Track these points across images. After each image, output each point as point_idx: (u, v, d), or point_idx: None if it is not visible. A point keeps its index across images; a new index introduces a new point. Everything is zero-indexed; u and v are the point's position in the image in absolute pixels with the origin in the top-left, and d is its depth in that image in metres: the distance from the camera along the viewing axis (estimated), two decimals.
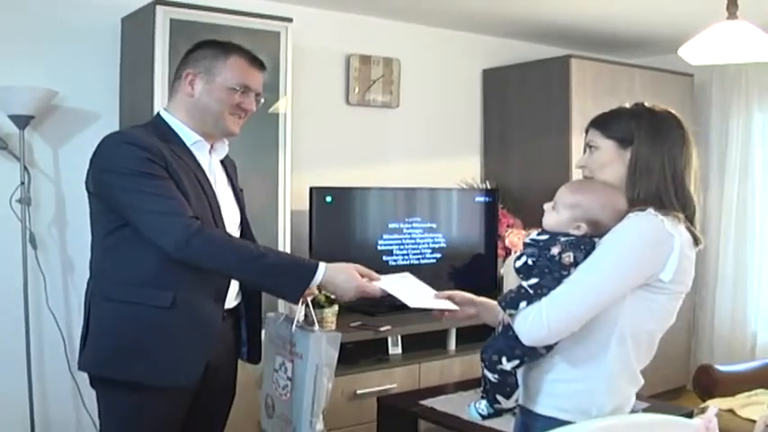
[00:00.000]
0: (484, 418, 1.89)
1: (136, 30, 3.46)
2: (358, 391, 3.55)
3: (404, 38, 4.58)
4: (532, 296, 1.72)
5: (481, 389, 1.91)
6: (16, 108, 3.25)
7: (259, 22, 3.56)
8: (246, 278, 2.18)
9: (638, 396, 1.91)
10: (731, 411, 3.58)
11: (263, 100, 2.34)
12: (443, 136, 4.78)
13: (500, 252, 4.53)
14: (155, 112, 3.19)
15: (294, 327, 2.29)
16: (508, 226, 4.53)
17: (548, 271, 1.73)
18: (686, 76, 5.06)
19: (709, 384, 3.87)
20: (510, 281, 1.88)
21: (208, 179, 2.24)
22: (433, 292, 2.20)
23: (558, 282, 1.72)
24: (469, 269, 4.40)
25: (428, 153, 4.69)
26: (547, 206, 1.85)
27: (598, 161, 1.86)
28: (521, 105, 4.79)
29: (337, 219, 4.00)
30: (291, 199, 3.66)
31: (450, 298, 2.14)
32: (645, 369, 1.86)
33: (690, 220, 1.79)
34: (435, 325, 3.95)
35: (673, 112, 1.89)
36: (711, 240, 5.10)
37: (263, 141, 3.61)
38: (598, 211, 1.77)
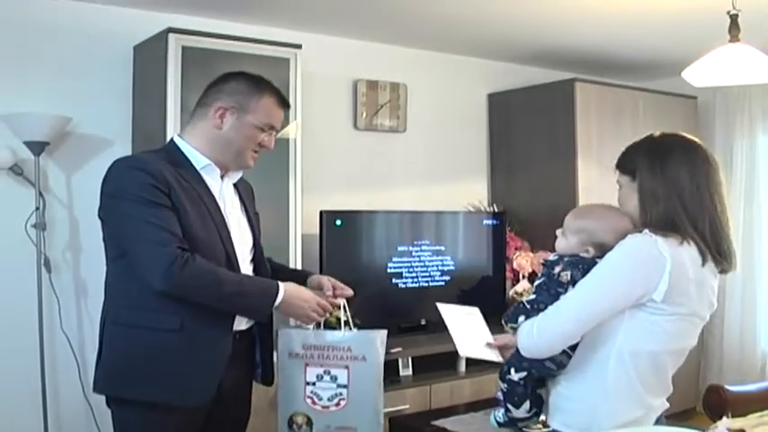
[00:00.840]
0: (500, 425, 2.00)
1: (148, 57, 3.52)
2: None
3: (410, 63, 4.65)
4: (529, 311, 1.86)
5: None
6: (31, 134, 3.30)
7: (269, 49, 3.62)
8: (224, 308, 2.18)
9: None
10: (742, 431, 3.57)
11: (278, 135, 2.40)
12: (450, 159, 4.82)
13: (508, 274, 4.55)
14: (167, 138, 3.26)
15: (344, 332, 2.36)
16: (516, 248, 4.56)
17: (545, 288, 1.88)
18: (690, 98, 5.10)
19: (719, 405, 3.86)
20: None
21: (216, 203, 2.26)
22: (488, 337, 2.18)
23: (555, 298, 1.84)
24: (478, 291, 4.42)
25: (435, 176, 4.74)
26: (558, 232, 1.95)
27: (622, 197, 1.96)
28: (526, 129, 4.83)
29: (347, 242, 4.03)
30: (302, 223, 3.71)
31: (503, 346, 2.11)
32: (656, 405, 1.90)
33: (703, 238, 1.82)
34: (445, 347, 3.96)
35: (678, 135, 1.93)
36: None
37: (273, 166, 3.66)
38: (602, 234, 1.88)
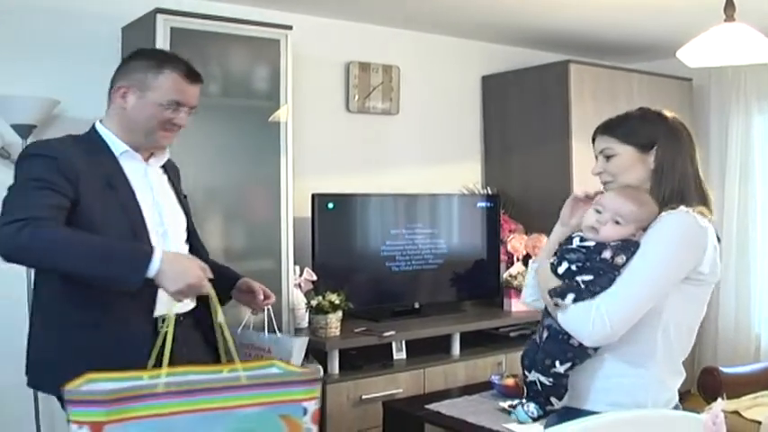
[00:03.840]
0: (534, 420, 1.95)
1: (137, 39, 3.46)
2: (363, 396, 3.54)
3: (402, 45, 4.60)
4: (582, 291, 1.79)
5: (524, 394, 1.98)
6: (19, 117, 3.26)
7: (259, 30, 3.57)
8: (84, 273, 2.01)
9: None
10: (737, 413, 3.57)
11: (194, 111, 2.29)
12: (444, 142, 4.79)
13: (502, 257, 4.53)
14: None
15: (267, 334, 2.41)
16: (510, 231, 4.53)
17: (602, 273, 1.79)
18: (685, 80, 5.07)
19: (714, 386, 3.87)
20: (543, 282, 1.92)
21: (131, 189, 2.19)
22: None
23: (611, 282, 1.78)
24: (472, 275, 4.41)
25: (429, 159, 4.70)
26: (605, 218, 1.86)
27: (620, 166, 1.95)
28: (520, 111, 4.80)
29: (339, 225, 4.00)
30: (294, 206, 3.67)
31: None
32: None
33: (710, 212, 1.90)
34: (439, 330, 3.96)
35: (675, 114, 2.01)
36: None
37: (264, 150, 3.63)
38: (652, 220, 1.86)
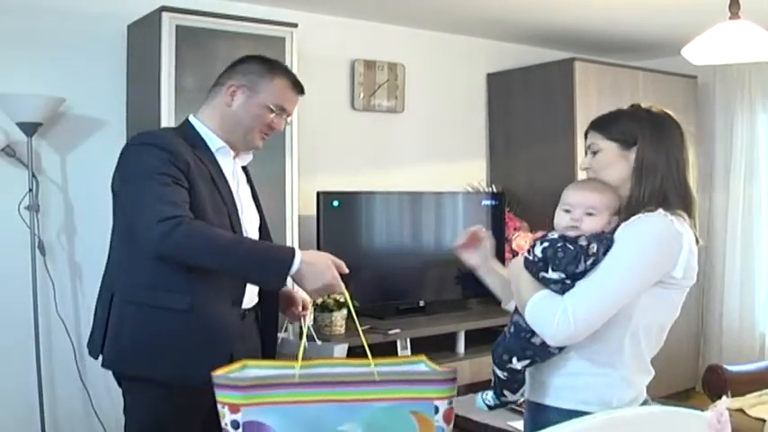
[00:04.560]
0: (490, 408, 1.99)
1: (142, 36, 3.48)
2: None
3: (408, 43, 4.60)
4: (554, 249, 1.76)
5: (491, 383, 1.99)
6: (24, 115, 3.27)
7: (264, 28, 3.58)
8: (227, 268, 2.11)
9: (650, 397, 1.95)
10: (741, 411, 3.57)
11: (291, 121, 2.42)
12: (449, 140, 4.79)
13: (507, 255, 4.52)
14: (161, 118, 3.25)
15: (305, 341, 2.38)
16: (515, 229, 4.53)
17: (575, 258, 1.75)
18: (690, 78, 5.06)
19: (718, 384, 3.86)
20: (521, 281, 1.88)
21: (228, 185, 2.28)
22: None
23: (576, 266, 1.75)
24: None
25: (434, 157, 4.71)
26: (575, 215, 1.83)
27: (602, 162, 1.92)
28: (525, 109, 4.80)
29: (345, 223, 4.01)
30: (299, 204, 3.68)
31: None
32: (654, 371, 1.92)
33: (691, 216, 1.85)
34: (444, 328, 3.97)
35: (669, 112, 1.95)
36: (718, 241, 5.10)
37: (270, 147, 3.54)
38: (616, 206, 1.85)
